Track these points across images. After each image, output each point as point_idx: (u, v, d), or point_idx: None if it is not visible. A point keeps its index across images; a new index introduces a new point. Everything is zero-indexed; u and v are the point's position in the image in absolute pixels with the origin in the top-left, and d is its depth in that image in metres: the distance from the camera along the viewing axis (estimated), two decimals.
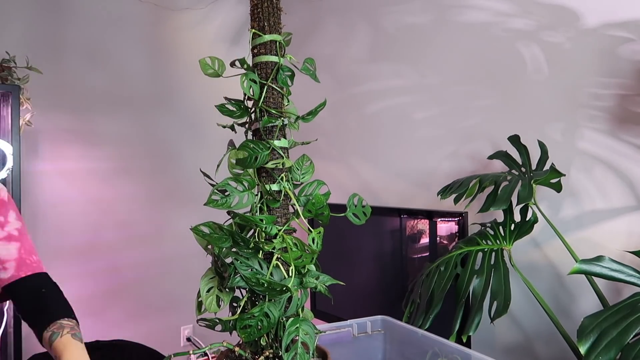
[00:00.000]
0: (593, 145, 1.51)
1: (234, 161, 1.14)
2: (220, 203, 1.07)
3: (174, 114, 2.60)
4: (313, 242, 1.14)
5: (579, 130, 1.54)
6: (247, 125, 1.21)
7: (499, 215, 1.55)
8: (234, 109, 1.16)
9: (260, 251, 1.10)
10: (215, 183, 1.13)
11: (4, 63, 1.89)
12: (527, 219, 1.44)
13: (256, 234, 1.12)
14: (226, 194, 1.08)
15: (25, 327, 1.83)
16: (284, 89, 1.18)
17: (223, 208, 1.08)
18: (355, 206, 1.21)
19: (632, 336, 0.95)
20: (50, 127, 2.19)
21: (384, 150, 2.21)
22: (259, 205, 1.14)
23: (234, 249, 1.08)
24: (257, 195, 1.14)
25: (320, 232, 1.16)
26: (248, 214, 1.13)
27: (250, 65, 1.17)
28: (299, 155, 1.22)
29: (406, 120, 2.12)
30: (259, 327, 1.05)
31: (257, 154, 1.11)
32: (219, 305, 1.09)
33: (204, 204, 1.08)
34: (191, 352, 1.16)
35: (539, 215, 1.42)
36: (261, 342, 1.11)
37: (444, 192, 1.55)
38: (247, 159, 1.10)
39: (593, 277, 1.23)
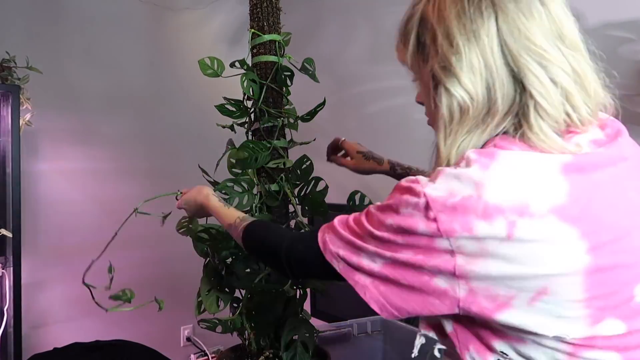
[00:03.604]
0: None
1: (234, 161, 1.14)
2: None
3: (174, 114, 2.60)
4: None
5: None
6: (246, 126, 1.21)
7: None
8: (234, 109, 1.16)
9: None
10: (212, 180, 1.13)
11: (4, 63, 1.89)
12: None
13: None
14: (226, 196, 1.08)
15: (25, 327, 1.83)
16: (284, 89, 1.18)
17: None
18: (357, 204, 1.21)
19: None
20: (50, 127, 2.19)
21: (384, 150, 2.20)
22: (258, 205, 1.14)
23: (233, 249, 1.08)
24: (256, 195, 1.14)
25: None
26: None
27: (250, 65, 1.17)
28: (298, 156, 1.22)
29: (406, 120, 2.11)
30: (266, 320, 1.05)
31: (257, 154, 1.11)
32: (218, 306, 1.09)
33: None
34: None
35: None
36: (261, 342, 1.11)
37: None
38: (247, 159, 1.09)
39: None
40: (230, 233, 0.91)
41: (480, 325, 0.59)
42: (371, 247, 0.60)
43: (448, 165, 0.60)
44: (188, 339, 2.60)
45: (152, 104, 2.52)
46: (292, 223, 1.19)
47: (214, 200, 0.98)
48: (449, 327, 0.62)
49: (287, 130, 1.20)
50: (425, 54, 0.63)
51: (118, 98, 2.41)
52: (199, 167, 1.20)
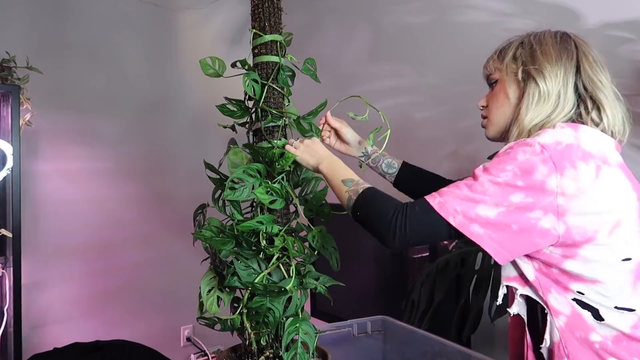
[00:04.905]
0: None
1: (235, 160, 1.14)
2: (237, 195, 1.07)
3: (174, 114, 2.60)
4: (313, 241, 1.14)
5: None
6: (247, 126, 1.21)
7: None
8: (235, 109, 1.16)
9: (262, 252, 1.10)
10: (220, 176, 1.14)
11: (4, 63, 1.89)
12: None
13: (260, 236, 1.11)
14: (241, 184, 1.07)
15: (25, 327, 1.83)
16: (285, 89, 1.18)
17: (240, 199, 1.07)
18: None
19: None
20: (50, 127, 2.19)
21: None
22: (259, 204, 1.14)
23: (235, 248, 1.08)
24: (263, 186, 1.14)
25: (321, 231, 1.15)
26: (247, 220, 1.13)
27: (251, 65, 1.17)
28: None
29: (406, 120, 2.11)
30: (266, 320, 1.05)
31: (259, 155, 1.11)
32: (218, 306, 1.09)
33: (225, 197, 1.07)
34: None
35: None
36: (261, 342, 1.11)
37: None
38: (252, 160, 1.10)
39: None
40: (338, 190, 0.99)
41: (558, 274, 0.79)
42: (489, 199, 0.77)
43: (529, 135, 0.84)
44: (188, 339, 2.60)
45: (152, 104, 2.52)
46: (294, 223, 1.19)
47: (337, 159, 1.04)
48: (531, 276, 0.82)
49: (288, 130, 1.20)
50: (519, 61, 0.90)
51: (118, 98, 2.41)
52: (204, 162, 1.19)
